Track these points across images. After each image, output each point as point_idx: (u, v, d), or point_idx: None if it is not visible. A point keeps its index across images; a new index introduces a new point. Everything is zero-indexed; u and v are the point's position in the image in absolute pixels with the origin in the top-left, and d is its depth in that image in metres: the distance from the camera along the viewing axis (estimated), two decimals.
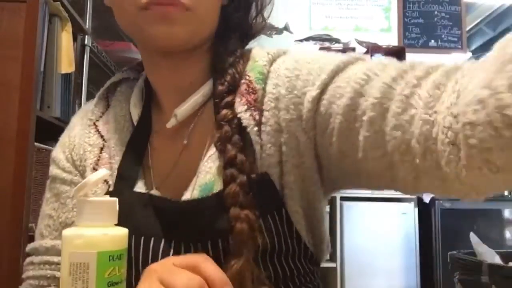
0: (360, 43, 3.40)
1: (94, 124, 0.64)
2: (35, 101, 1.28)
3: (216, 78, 0.58)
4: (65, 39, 1.45)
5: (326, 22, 3.62)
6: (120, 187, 0.58)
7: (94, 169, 0.60)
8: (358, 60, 0.52)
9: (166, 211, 0.55)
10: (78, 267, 0.37)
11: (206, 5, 0.54)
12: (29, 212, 1.27)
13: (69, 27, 1.47)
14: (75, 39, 1.57)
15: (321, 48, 3.28)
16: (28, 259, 0.62)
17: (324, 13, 3.63)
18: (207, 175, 0.54)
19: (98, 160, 0.61)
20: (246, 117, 0.53)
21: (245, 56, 0.60)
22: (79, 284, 0.37)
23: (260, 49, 0.61)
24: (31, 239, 0.63)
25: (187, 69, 0.59)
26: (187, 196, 0.54)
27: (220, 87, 0.56)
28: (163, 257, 0.53)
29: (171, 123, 0.58)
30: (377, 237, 2.76)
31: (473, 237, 1.77)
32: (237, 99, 0.55)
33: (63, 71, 1.44)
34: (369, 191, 2.99)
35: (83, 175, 0.63)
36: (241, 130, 0.54)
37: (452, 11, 3.67)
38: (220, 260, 0.51)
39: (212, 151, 0.55)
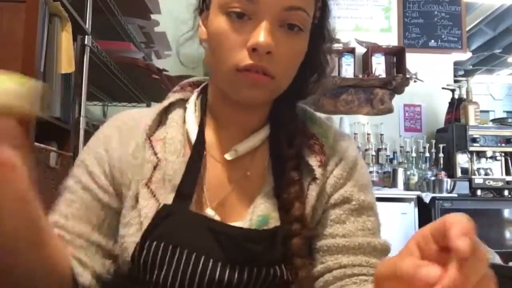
0: (360, 43, 3.40)
1: (149, 139, 0.65)
2: None
3: (274, 127, 0.68)
4: (65, 39, 1.45)
5: None
6: (177, 205, 0.61)
7: (147, 185, 0.62)
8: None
9: (223, 234, 0.60)
10: None
11: (288, 75, 0.63)
12: None
13: (69, 27, 1.46)
14: (75, 39, 1.56)
15: None
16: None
17: None
18: (264, 208, 0.62)
19: (151, 178, 0.63)
20: (319, 172, 0.64)
21: (305, 115, 0.71)
22: None
23: (316, 114, 0.71)
24: None
25: (254, 113, 0.68)
26: (245, 223, 0.61)
27: (291, 151, 0.65)
28: (211, 274, 0.57)
29: (230, 155, 0.65)
30: None
31: None
32: (311, 155, 0.65)
33: (63, 71, 1.44)
34: None
35: (121, 190, 0.64)
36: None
37: (452, 11, 3.67)
38: (268, 286, 0.59)
39: (268, 187, 0.64)
